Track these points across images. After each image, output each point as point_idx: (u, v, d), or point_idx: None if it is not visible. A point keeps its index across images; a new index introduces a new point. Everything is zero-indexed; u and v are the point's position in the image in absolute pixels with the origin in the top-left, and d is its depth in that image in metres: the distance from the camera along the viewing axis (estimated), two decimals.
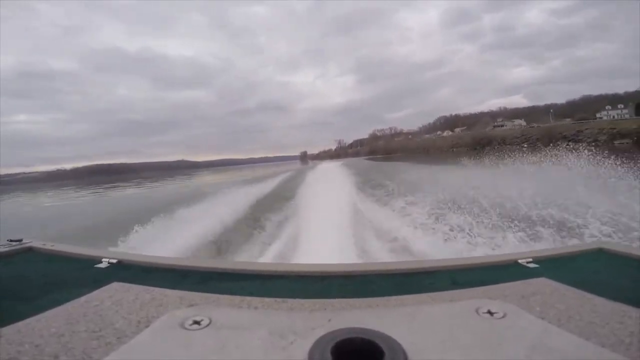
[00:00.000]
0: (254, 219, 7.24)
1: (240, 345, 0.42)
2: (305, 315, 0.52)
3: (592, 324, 0.53)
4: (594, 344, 0.44)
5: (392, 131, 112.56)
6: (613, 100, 62.42)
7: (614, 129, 36.18)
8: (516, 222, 4.69)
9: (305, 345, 0.41)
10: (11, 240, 1.34)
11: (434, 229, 5.26)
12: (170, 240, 5.33)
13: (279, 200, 9.47)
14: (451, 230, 5.03)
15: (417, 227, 5.44)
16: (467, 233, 4.78)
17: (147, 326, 0.52)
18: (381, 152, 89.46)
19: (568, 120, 63.51)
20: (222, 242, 5.65)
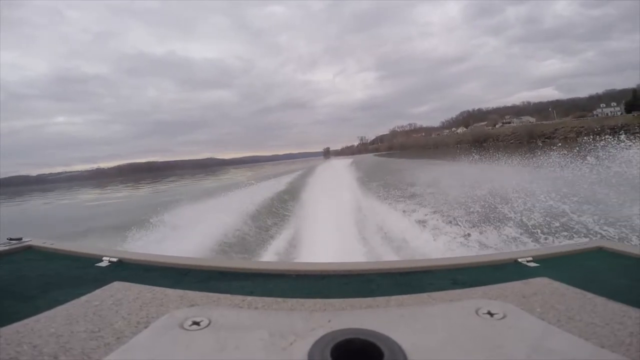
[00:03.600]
0: (256, 218, 7.25)
1: (240, 345, 0.42)
2: (305, 315, 0.52)
3: (592, 324, 0.53)
4: (593, 345, 0.44)
5: (412, 127, 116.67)
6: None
7: (582, 127, 40.59)
8: (516, 220, 4.72)
9: (305, 346, 0.42)
10: (11, 239, 1.34)
11: (432, 227, 5.23)
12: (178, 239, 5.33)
13: (282, 198, 9.55)
14: (450, 228, 5.04)
15: (416, 225, 5.46)
16: (467, 231, 4.78)
17: (146, 326, 0.52)
18: (398, 148, 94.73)
19: (570, 117, 66.08)
20: (222, 241, 5.60)
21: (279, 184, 13.15)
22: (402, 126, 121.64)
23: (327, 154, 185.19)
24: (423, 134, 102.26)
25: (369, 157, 45.68)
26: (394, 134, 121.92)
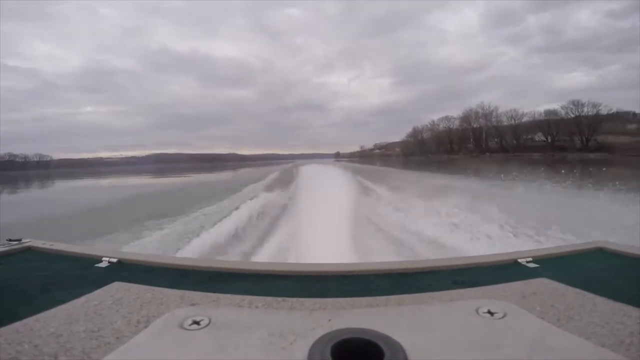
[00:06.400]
0: (253, 217, 7.21)
1: (240, 345, 0.43)
2: (305, 315, 0.52)
3: (592, 323, 0.53)
4: (593, 344, 0.44)
5: (384, 144, 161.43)
6: None
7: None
8: (517, 221, 4.86)
9: (305, 345, 0.42)
10: (10, 240, 1.34)
11: (433, 227, 5.37)
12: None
13: (277, 196, 9.52)
14: (450, 228, 5.16)
15: (416, 226, 5.59)
16: (467, 232, 4.85)
17: (146, 326, 0.52)
18: (374, 158, 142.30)
19: None
20: (221, 241, 5.61)
21: (276, 182, 13.88)
22: (380, 143, 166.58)
23: (338, 156, 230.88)
24: (384, 149, 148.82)
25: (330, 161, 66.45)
26: (376, 147, 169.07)
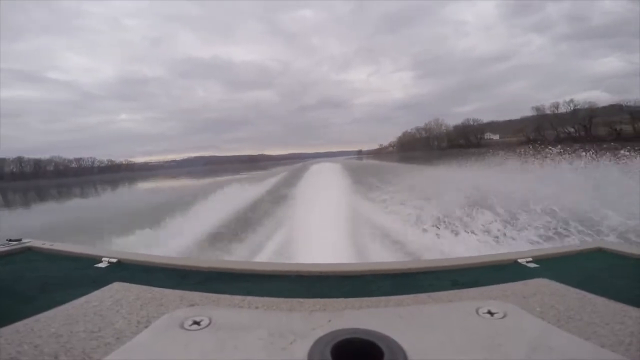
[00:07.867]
0: (252, 217, 7.20)
1: (240, 345, 0.43)
2: (305, 315, 0.52)
3: (592, 324, 0.53)
4: (593, 344, 0.44)
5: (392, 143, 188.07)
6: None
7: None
8: (516, 221, 4.84)
9: (305, 346, 0.42)
10: (10, 240, 1.33)
11: (433, 227, 5.35)
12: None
13: (278, 196, 9.62)
14: (450, 228, 5.16)
15: (416, 226, 5.58)
16: (467, 232, 4.86)
17: (146, 326, 0.52)
18: (387, 155, 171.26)
19: None
20: (221, 241, 5.65)
21: (276, 180, 14.29)
22: (393, 141, 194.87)
23: (360, 153, 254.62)
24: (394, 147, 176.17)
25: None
26: (389, 145, 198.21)
